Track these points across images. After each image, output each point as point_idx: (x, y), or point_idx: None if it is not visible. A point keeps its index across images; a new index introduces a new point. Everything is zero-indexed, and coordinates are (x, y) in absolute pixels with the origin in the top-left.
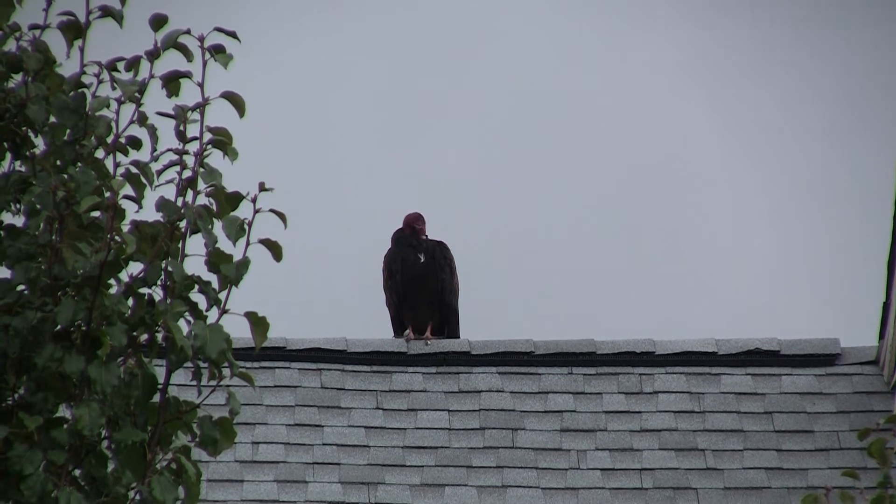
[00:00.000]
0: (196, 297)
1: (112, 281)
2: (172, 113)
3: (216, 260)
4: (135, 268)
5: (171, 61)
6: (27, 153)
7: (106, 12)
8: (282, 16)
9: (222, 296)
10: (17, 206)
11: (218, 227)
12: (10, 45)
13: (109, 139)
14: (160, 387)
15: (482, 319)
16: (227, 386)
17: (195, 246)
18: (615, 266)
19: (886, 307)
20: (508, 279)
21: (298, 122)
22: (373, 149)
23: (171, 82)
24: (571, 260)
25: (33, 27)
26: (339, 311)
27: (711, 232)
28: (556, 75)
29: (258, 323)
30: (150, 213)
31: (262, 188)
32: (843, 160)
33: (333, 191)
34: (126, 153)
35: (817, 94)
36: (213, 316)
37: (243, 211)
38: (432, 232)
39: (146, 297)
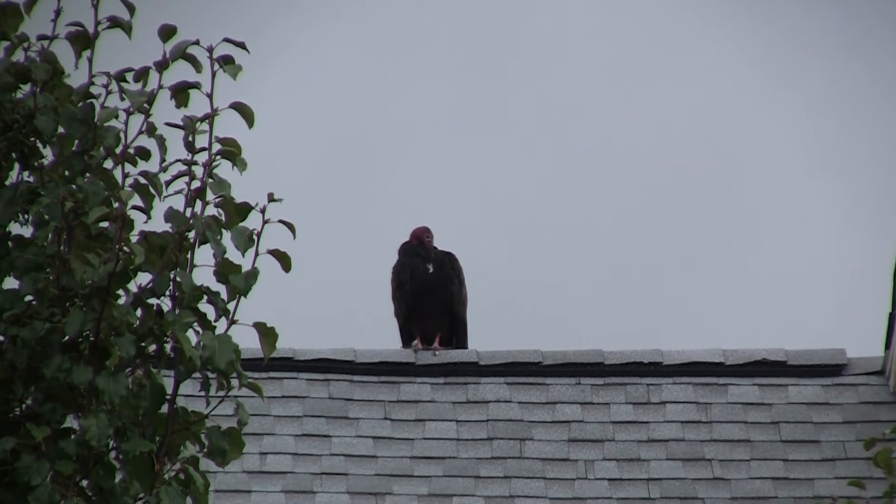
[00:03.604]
0: (205, 307)
1: (120, 291)
2: (181, 123)
3: (225, 270)
4: (143, 278)
5: (180, 72)
6: (35, 164)
7: (114, 23)
8: (315, 22)
9: (231, 306)
10: (26, 216)
11: (227, 238)
12: (19, 56)
13: (118, 150)
14: (168, 397)
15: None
16: (236, 396)
17: (204, 256)
18: (626, 278)
19: (892, 317)
20: (520, 289)
21: (307, 131)
22: (398, 157)
23: (180, 93)
24: (582, 272)
25: (42, 38)
26: (347, 321)
27: (720, 241)
28: (618, 81)
29: (267, 333)
30: (158, 224)
31: (271, 199)
32: (865, 171)
33: (345, 199)
34: (135, 164)
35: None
36: (221, 326)
37: (252, 221)
38: (440, 244)
39: (154, 308)
